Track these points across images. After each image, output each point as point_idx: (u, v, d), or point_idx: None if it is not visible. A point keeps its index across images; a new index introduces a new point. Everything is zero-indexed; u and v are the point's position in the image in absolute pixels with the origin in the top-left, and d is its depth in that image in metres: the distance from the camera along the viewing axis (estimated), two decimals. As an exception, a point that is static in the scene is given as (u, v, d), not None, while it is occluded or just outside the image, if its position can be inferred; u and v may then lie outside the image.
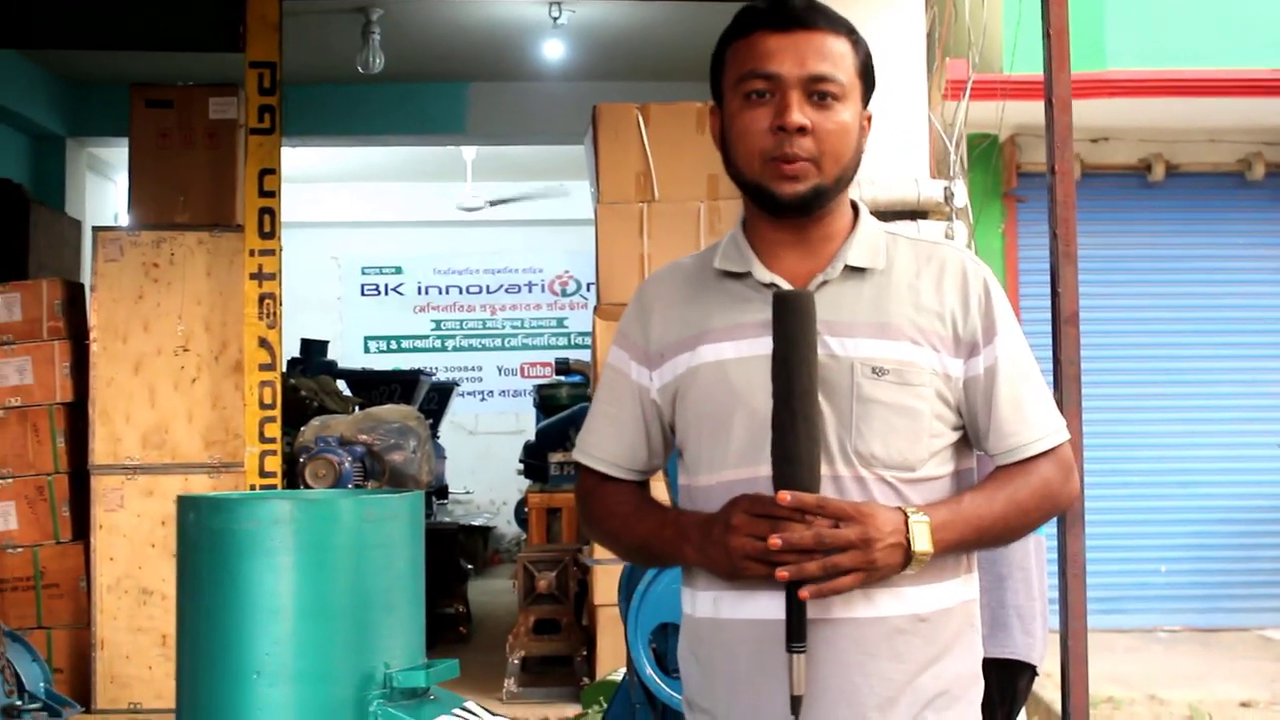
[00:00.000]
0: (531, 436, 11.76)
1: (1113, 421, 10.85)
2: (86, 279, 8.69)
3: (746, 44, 2.29)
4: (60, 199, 11.63)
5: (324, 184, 15.18)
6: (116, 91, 10.72)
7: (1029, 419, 2.26)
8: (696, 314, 2.34)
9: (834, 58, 2.26)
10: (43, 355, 7.81)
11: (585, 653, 7.70)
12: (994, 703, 3.26)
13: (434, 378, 13.06)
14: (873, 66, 2.35)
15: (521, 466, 11.51)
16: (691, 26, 9.73)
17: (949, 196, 7.15)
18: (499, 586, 12.94)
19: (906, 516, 2.13)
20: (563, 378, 12.17)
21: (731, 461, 2.26)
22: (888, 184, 7.08)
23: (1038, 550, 3.87)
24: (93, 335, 7.74)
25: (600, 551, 7.23)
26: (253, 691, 2.47)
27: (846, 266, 2.26)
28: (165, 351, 7.69)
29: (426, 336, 17.45)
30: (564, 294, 17.56)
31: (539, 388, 12.38)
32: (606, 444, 2.46)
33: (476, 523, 15.13)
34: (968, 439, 2.32)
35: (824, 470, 2.16)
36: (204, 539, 2.56)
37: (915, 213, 7.19)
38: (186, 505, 2.64)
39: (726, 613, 2.25)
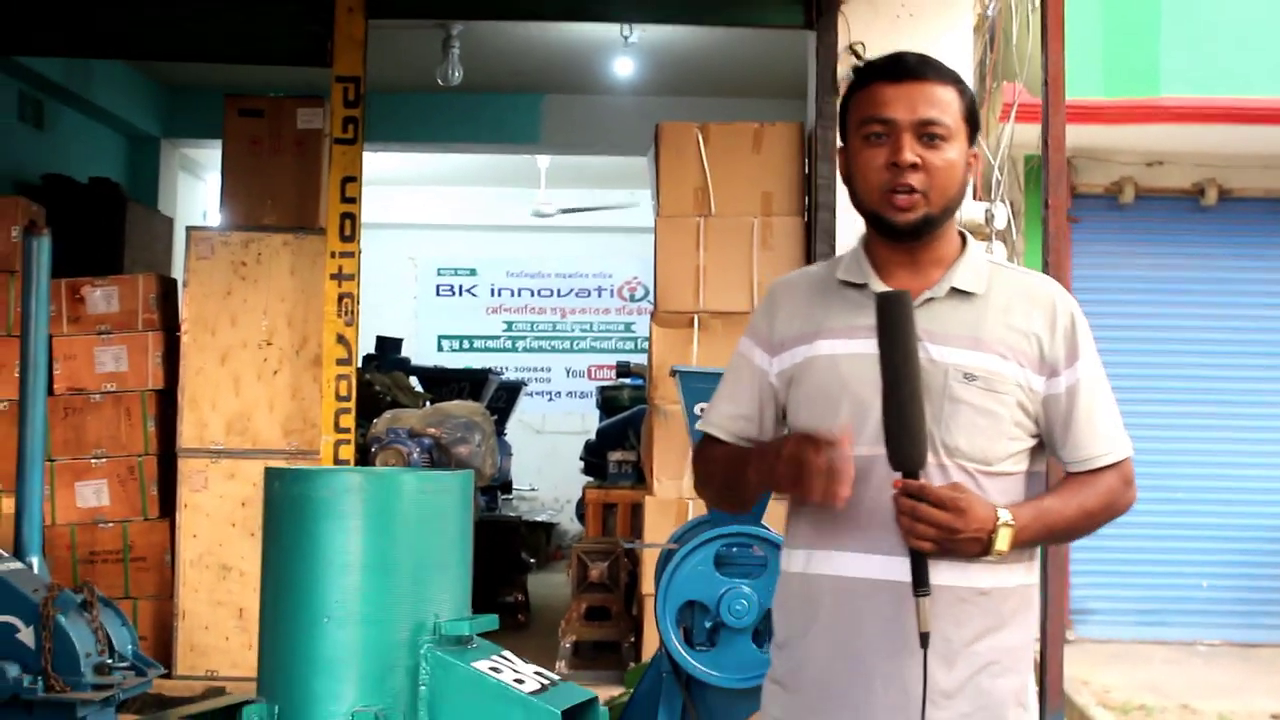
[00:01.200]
0: (594, 436, 12.15)
1: (1160, 439, 11.04)
2: (178, 274, 9.20)
3: (866, 94, 2.69)
4: (154, 197, 12.11)
5: (403, 187, 15.57)
6: (208, 96, 11.22)
7: (1100, 435, 2.62)
8: (818, 313, 2.73)
9: (941, 104, 2.63)
10: (137, 345, 8.31)
11: (633, 639, 8.07)
12: None
13: (502, 377, 13.39)
14: (976, 111, 2.71)
15: (583, 464, 11.86)
16: (751, 49, 10.09)
17: (989, 219, 7.46)
18: (558, 580, 13.18)
19: (997, 518, 2.51)
20: (624, 380, 12.54)
21: (859, 438, 2.61)
22: (931, 204, 7.40)
23: None
24: (184, 327, 8.21)
25: (650, 531, 7.59)
26: (323, 632, 2.90)
27: (952, 288, 2.64)
28: (250, 345, 8.16)
29: (498, 337, 17.85)
30: (632, 299, 17.88)
31: (601, 389, 12.74)
32: (723, 415, 2.87)
33: (540, 518, 15.44)
34: (1041, 446, 2.67)
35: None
36: (286, 504, 3.00)
37: (958, 232, 7.52)
38: (273, 475, 3.08)
39: (814, 569, 2.66)
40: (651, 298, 17.32)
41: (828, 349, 2.69)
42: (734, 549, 4.14)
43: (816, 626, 2.67)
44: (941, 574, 2.54)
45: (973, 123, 2.69)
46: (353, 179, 7.92)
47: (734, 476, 2.80)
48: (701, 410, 3.97)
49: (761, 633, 4.14)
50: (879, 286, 2.67)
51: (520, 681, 2.96)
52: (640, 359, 14.44)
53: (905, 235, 2.66)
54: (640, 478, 9.71)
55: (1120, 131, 10.49)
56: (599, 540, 8.87)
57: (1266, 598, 11.30)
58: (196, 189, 13.87)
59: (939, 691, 2.54)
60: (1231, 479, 11.16)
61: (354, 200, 7.92)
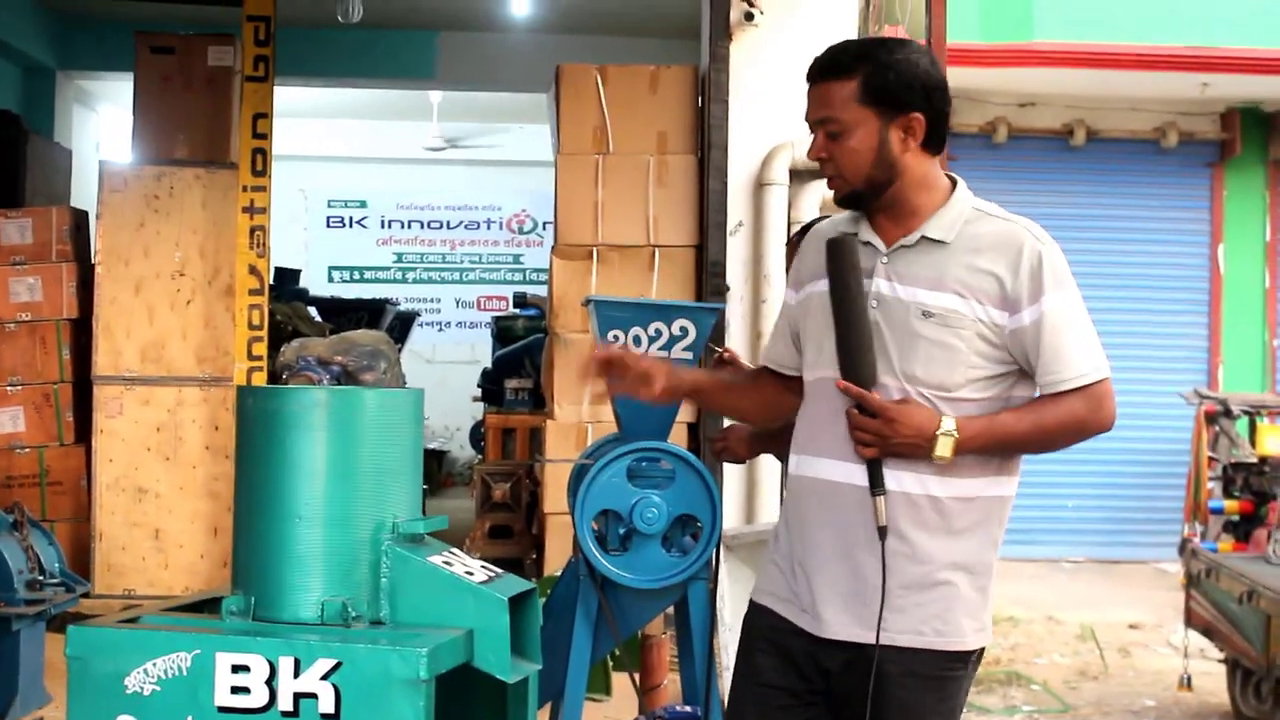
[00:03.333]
0: (487, 365, 12.44)
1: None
2: (78, 205, 9.37)
3: None
4: (50, 129, 12.11)
5: (294, 119, 15.63)
6: (104, 28, 11.33)
7: (1064, 361, 2.90)
8: (821, 258, 3.10)
9: (835, 102, 2.99)
10: (51, 275, 8.49)
11: (535, 556, 8.45)
12: None
13: (399, 307, 13.62)
14: (889, 85, 2.98)
15: (479, 392, 12.16)
16: (648, -12, 10.38)
17: None
18: (451, 506, 13.45)
19: (939, 426, 2.88)
20: (519, 310, 12.83)
21: (822, 365, 3.07)
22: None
23: None
24: (98, 259, 8.40)
25: (551, 453, 7.97)
26: (294, 531, 3.23)
27: (923, 237, 2.98)
28: (163, 275, 8.36)
29: (389, 268, 18.02)
30: (520, 231, 18.11)
31: (497, 319, 13.01)
32: (771, 348, 3.34)
33: (431, 446, 15.74)
34: (1022, 374, 2.98)
35: (882, 379, 2.93)
36: (259, 418, 3.33)
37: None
38: (245, 393, 3.41)
39: (804, 470, 3.08)
40: (540, 230, 17.70)
41: (822, 287, 3.08)
42: (644, 463, 4.46)
43: (798, 520, 3.09)
44: (901, 480, 2.93)
45: (883, 98, 2.99)
46: (264, 115, 8.14)
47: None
48: (614, 336, 4.37)
49: (669, 538, 4.50)
50: (866, 235, 3.06)
51: (470, 574, 3.33)
52: (529, 290, 14.76)
53: (847, 205, 3.10)
54: (536, 404, 10.07)
55: (995, 74, 10.92)
56: (500, 463, 9.23)
57: (1127, 518, 11.90)
58: (89, 120, 13.86)
59: (897, 583, 2.92)
60: (1095, 406, 11.74)
61: (265, 136, 8.15)
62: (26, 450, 8.48)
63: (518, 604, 3.32)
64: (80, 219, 8.76)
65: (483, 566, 3.43)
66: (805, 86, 3.07)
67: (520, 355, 10.85)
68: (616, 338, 4.38)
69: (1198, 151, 12.40)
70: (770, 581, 3.15)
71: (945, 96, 3.05)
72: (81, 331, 8.52)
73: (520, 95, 12.93)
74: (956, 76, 8.82)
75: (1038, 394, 3.01)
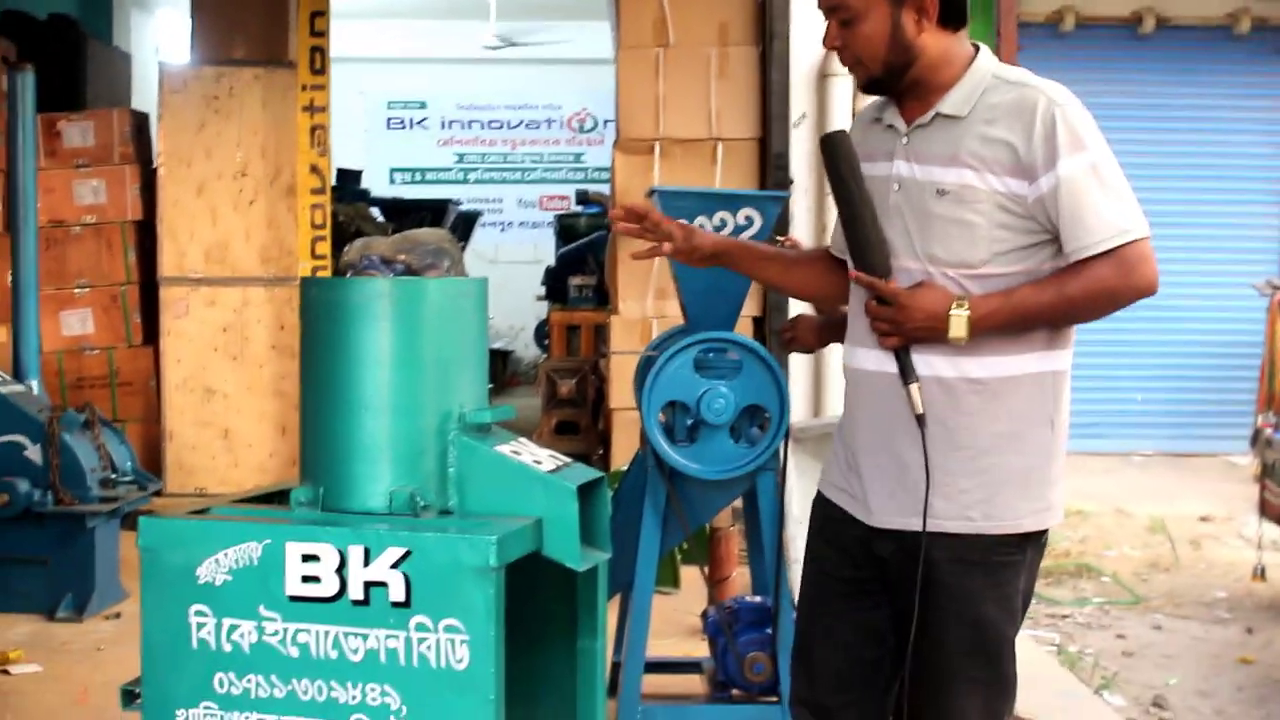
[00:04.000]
0: (550, 264, 12.46)
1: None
2: (138, 107, 9.40)
3: None
4: (108, 32, 12.16)
5: (351, 20, 15.62)
6: (162, -72, 11.27)
7: (1087, 226, 2.78)
8: (863, 140, 3.05)
9: None
10: (115, 178, 8.56)
11: (601, 451, 8.49)
12: None
13: (461, 207, 13.64)
14: None
15: (543, 291, 12.20)
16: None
17: None
18: (517, 404, 13.47)
19: (950, 307, 2.81)
20: (581, 208, 12.81)
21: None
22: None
23: None
24: (160, 160, 8.46)
25: (617, 348, 7.99)
26: (361, 422, 3.23)
27: (938, 114, 2.91)
28: (225, 176, 8.42)
29: (450, 169, 18.04)
30: (581, 130, 18.07)
31: (560, 217, 13.01)
32: (834, 235, 3.25)
33: (496, 346, 15.82)
34: (1055, 244, 2.86)
35: (906, 263, 2.89)
36: (323, 310, 3.32)
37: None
38: (309, 284, 3.39)
39: (848, 361, 3.07)
40: (601, 129, 17.62)
41: (865, 170, 3.00)
42: (711, 354, 4.46)
43: (849, 410, 3.10)
44: (934, 365, 2.88)
45: None
46: (321, 13, 8.15)
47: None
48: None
49: (737, 429, 4.50)
50: (890, 118, 3.00)
51: (538, 462, 3.32)
52: (590, 188, 14.70)
53: (870, 90, 3.03)
54: (600, 300, 10.07)
55: (1062, -41, 10.73)
56: (566, 360, 9.25)
57: (1196, 410, 11.84)
58: (147, 23, 13.90)
59: (941, 469, 2.87)
60: (1167, 296, 11.46)
61: (323, 34, 8.16)
62: (96, 351, 8.59)
63: (587, 493, 3.31)
64: (141, 121, 8.81)
65: (551, 456, 3.41)
66: None
67: (583, 252, 10.86)
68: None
69: (1270, 38, 12.15)
70: (831, 472, 3.14)
71: None
72: (146, 233, 8.61)
73: (579, -9, 12.84)
74: (1023, -37, 8.69)
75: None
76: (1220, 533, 8.86)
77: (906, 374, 2.87)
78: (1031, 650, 5.81)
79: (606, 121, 17.08)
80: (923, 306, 2.84)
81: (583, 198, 12.82)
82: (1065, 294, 2.81)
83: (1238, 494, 9.53)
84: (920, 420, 2.86)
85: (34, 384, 6.95)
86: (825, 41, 3.00)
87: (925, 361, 2.88)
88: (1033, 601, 6.69)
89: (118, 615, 6.34)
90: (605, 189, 14.07)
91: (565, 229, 12.23)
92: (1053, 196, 2.79)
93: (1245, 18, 11.86)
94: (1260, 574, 6.91)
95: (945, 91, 2.91)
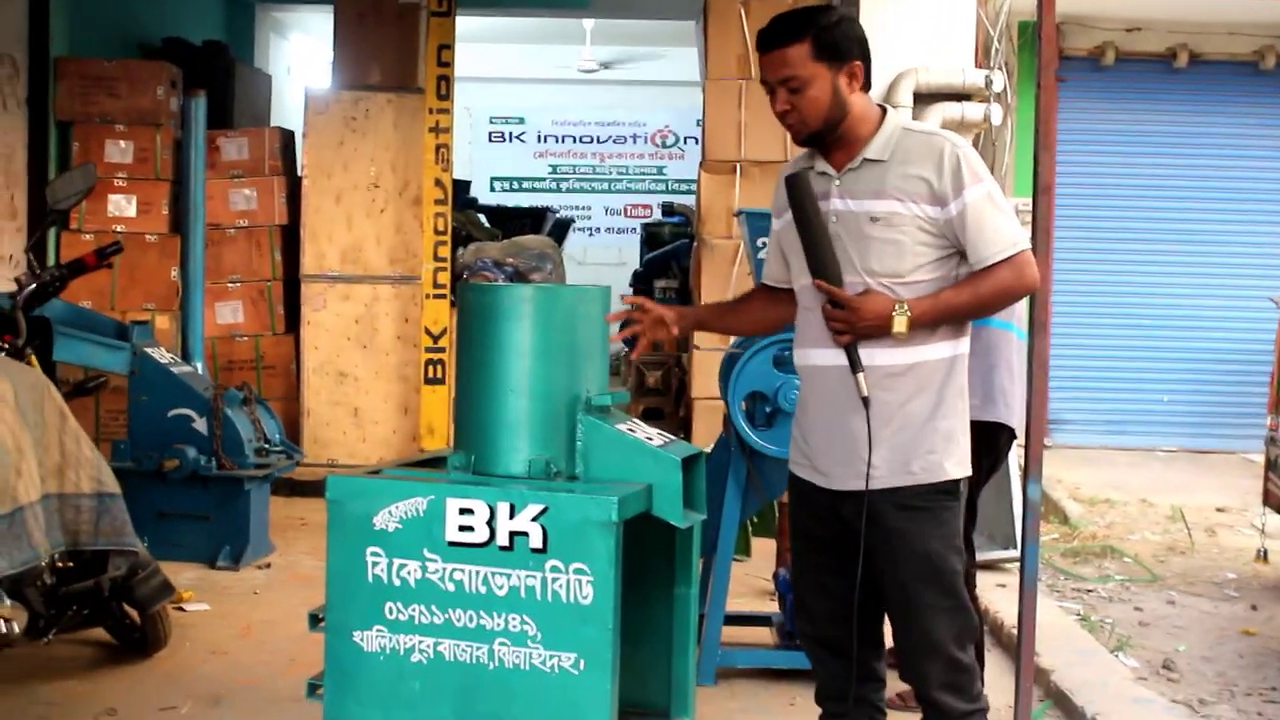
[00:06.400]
0: (635, 267, 12.76)
1: (1132, 273, 11.64)
2: (277, 123, 9.83)
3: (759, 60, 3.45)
4: (250, 56, 12.61)
5: (460, 43, 15.87)
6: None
7: (987, 240, 3.27)
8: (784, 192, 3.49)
9: (791, 62, 3.32)
10: (264, 187, 9.02)
11: (683, 435, 8.80)
12: (980, 454, 3.94)
13: (557, 214, 13.95)
14: (834, 41, 3.33)
15: (630, 292, 12.49)
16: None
17: (989, 83, 7.96)
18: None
19: (893, 309, 3.25)
20: (666, 218, 13.11)
21: (804, 274, 3.42)
22: (939, 70, 7.86)
23: (1019, 350, 4.86)
24: (304, 172, 8.90)
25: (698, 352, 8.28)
26: (507, 402, 3.63)
27: (864, 159, 3.36)
28: (360, 187, 8.84)
29: (544, 179, 18.39)
30: (664, 145, 18.35)
31: (645, 225, 13.31)
32: (766, 269, 3.68)
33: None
34: (960, 257, 3.34)
35: (848, 278, 3.31)
36: (478, 310, 3.72)
37: (960, 95, 7.98)
38: (465, 289, 3.82)
39: (802, 361, 3.46)
40: (681, 144, 17.89)
41: (788, 217, 3.45)
42: (787, 352, 4.77)
43: (803, 400, 3.51)
44: (876, 356, 3.30)
45: (833, 55, 3.33)
46: (447, 46, 8.54)
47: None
48: (761, 244, 4.71)
49: (808, 417, 4.85)
50: (821, 166, 3.42)
51: (650, 439, 3.73)
52: (671, 199, 15.01)
53: (806, 143, 3.44)
54: (683, 301, 10.42)
55: (1102, 0, 10.88)
56: (652, 354, 9.61)
57: (1217, 411, 11.88)
58: (282, 47, 14.30)
59: (884, 438, 3.30)
60: (1192, 308, 11.72)
61: (448, 64, 8.56)
62: (245, 338, 9.05)
63: (688, 465, 3.70)
64: (287, 138, 9.25)
65: (659, 433, 3.82)
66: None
67: (668, 258, 11.15)
68: (763, 244, 4.71)
69: (1294, 72, 12.23)
70: (794, 453, 3.56)
71: (868, 47, 3.40)
72: (290, 236, 9.05)
73: (665, 22, 13.08)
74: (1066, 2, 8.81)
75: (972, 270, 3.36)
76: (1234, 522, 8.93)
77: (855, 364, 3.30)
78: (1058, 616, 6.09)
79: (687, 138, 17.40)
80: (871, 309, 3.27)
81: (668, 209, 13.14)
82: (978, 293, 3.30)
83: (1252, 488, 9.45)
84: (865, 402, 3.28)
85: (199, 365, 7.38)
86: (775, 107, 3.40)
87: (867, 354, 3.31)
88: (1061, 578, 6.91)
89: (268, 565, 6.79)
90: (685, 200, 14.43)
91: (651, 236, 12.53)
92: (960, 218, 3.27)
93: (1270, 54, 11.95)
94: (1263, 556, 7.09)
95: (866, 142, 3.36)
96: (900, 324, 3.25)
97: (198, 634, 5.60)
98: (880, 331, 3.27)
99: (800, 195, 3.35)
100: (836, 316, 3.28)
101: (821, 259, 3.31)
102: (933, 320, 3.30)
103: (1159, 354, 11.80)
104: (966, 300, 3.30)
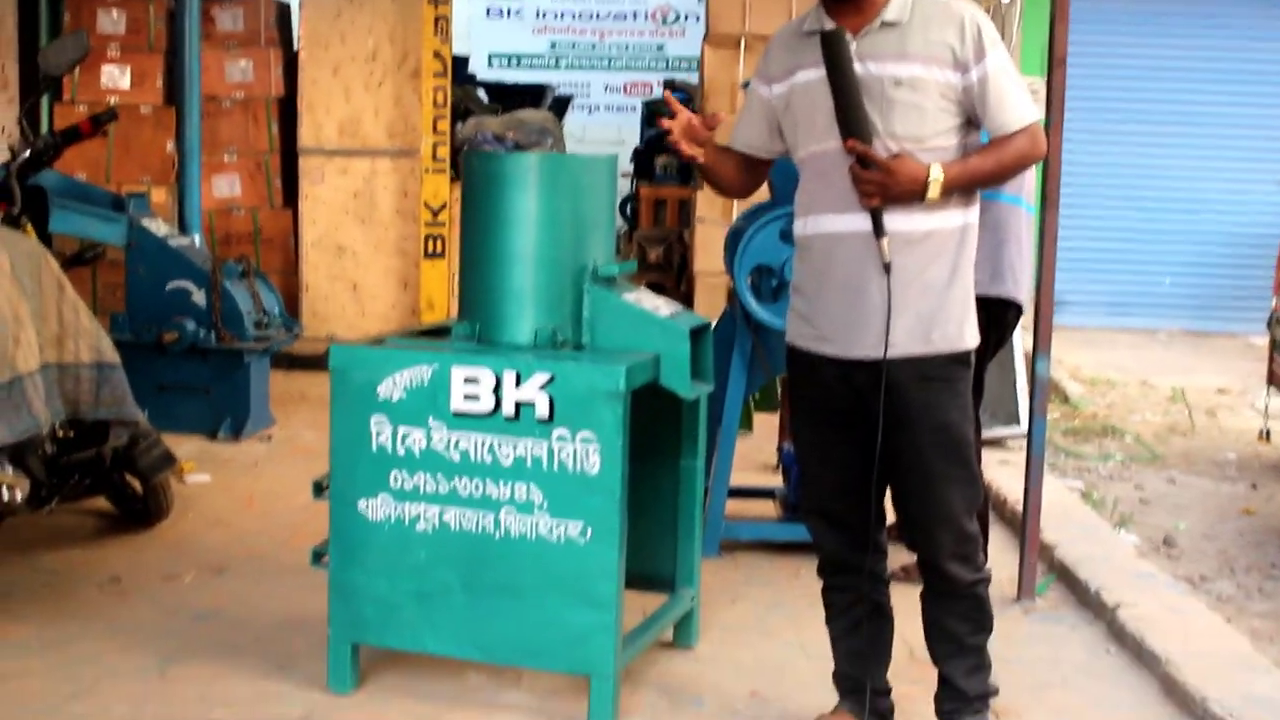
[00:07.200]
0: (636, 145, 12.65)
1: (1136, 154, 11.58)
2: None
3: None
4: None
5: (458, -85, 15.71)
6: None
7: (1008, 109, 3.25)
8: (796, 55, 3.40)
9: None
10: (260, 59, 8.88)
11: (684, 312, 8.83)
12: (988, 330, 3.99)
13: (556, 91, 13.79)
14: None
15: (631, 168, 12.41)
16: None
17: None
18: (603, 271, 13.79)
19: (929, 173, 3.19)
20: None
21: (814, 140, 3.34)
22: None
23: (1028, 224, 4.83)
24: (300, 44, 8.75)
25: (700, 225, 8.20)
26: (512, 270, 3.60)
27: (883, 22, 3.28)
28: (358, 59, 8.69)
29: (543, 55, 18.13)
30: (664, 22, 18.08)
31: (647, 103, 13.15)
32: (741, 134, 3.57)
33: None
34: (972, 125, 3.31)
35: (873, 142, 3.22)
36: (483, 178, 3.69)
37: None
38: (471, 157, 3.76)
39: (814, 230, 3.38)
40: (682, 21, 17.63)
41: (804, 78, 3.36)
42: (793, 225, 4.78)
43: (814, 272, 3.39)
44: (895, 222, 3.24)
45: None
46: (446, -84, 8.35)
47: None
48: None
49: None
50: (823, 24, 3.32)
51: (657, 309, 3.70)
52: (671, 76, 14.83)
53: (835, 4, 3.32)
54: (684, 178, 10.35)
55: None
56: (654, 230, 9.57)
57: (1218, 293, 11.88)
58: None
59: (903, 306, 3.25)
60: (1197, 190, 11.68)
61: (448, -65, 8.37)
62: (242, 211, 8.98)
63: (695, 336, 3.68)
64: (284, 9, 9.11)
65: (666, 303, 3.78)
66: None
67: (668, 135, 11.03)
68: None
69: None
70: (797, 327, 3.46)
71: None
72: (287, 109, 8.93)
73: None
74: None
75: (984, 138, 3.33)
76: (1235, 404, 8.95)
77: (879, 229, 3.24)
78: (1060, 493, 6.10)
79: (687, 15, 17.15)
80: (907, 172, 3.21)
81: (670, 86, 12.96)
82: (1001, 160, 3.29)
83: (1254, 370, 9.56)
84: (887, 268, 3.23)
85: (197, 238, 7.32)
86: None
87: (886, 220, 3.24)
88: (1062, 456, 6.94)
89: (269, 438, 6.79)
90: (685, 77, 14.26)
91: (653, 113, 12.38)
92: (980, 86, 3.24)
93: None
94: (1266, 436, 7.09)
95: (878, 7, 3.29)
96: (935, 189, 3.21)
97: (200, 505, 5.61)
98: (914, 195, 3.22)
99: (836, 53, 3.25)
100: (870, 178, 3.21)
101: (856, 119, 3.23)
102: (963, 185, 3.27)
103: (1162, 236, 11.76)
104: (991, 167, 3.29)
